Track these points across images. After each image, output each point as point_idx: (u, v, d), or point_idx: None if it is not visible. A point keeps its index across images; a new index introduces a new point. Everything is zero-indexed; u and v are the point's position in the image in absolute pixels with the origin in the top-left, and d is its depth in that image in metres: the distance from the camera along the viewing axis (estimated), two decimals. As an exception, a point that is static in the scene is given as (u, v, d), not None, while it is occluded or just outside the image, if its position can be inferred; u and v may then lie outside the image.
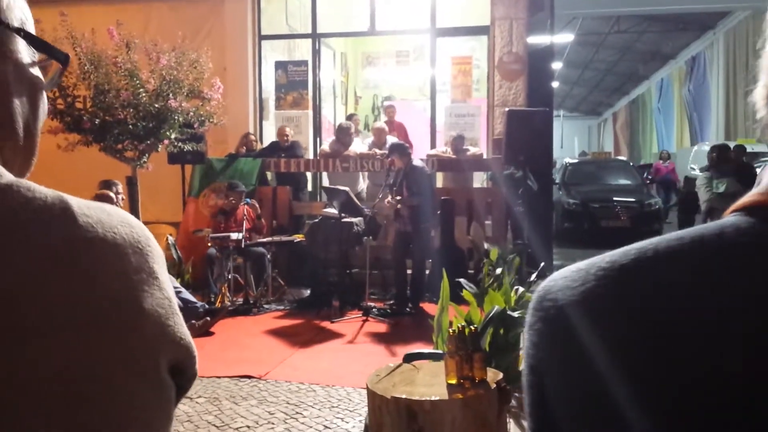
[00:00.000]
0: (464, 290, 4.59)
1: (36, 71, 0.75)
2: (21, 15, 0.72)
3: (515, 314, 4.21)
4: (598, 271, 0.55)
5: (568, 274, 0.57)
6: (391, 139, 8.62)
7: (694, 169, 17.94)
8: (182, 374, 0.74)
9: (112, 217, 0.69)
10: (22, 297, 0.61)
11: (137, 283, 0.68)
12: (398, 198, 7.08)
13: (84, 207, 0.67)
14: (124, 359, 0.66)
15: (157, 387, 0.69)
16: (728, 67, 20.93)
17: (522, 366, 0.60)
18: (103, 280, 0.65)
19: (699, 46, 23.66)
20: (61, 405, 0.61)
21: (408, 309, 7.15)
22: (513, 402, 3.83)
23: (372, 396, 2.93)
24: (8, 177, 0.66)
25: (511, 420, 3.72)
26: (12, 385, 0.59)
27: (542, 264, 7.39)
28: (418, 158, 7.86)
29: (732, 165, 8.09)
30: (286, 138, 9.32)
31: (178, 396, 0.74)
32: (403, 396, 2.79)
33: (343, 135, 9.21)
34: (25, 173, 0.76)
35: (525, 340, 0.60)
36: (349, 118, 10.87)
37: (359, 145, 9.32)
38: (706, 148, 18.64)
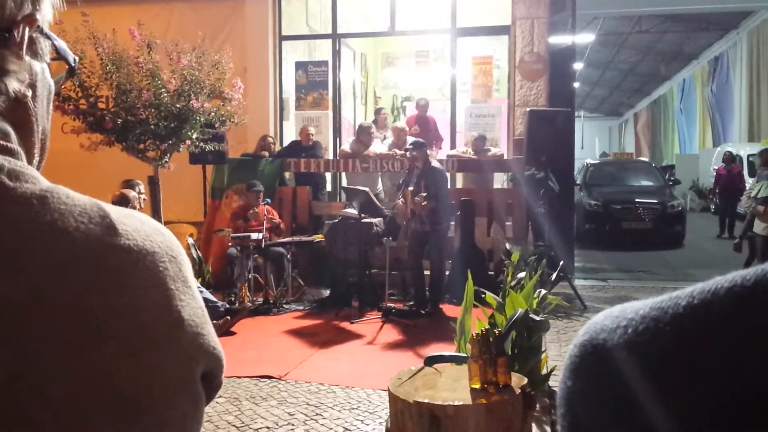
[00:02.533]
0: (486, 294, 4.54)
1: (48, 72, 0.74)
2: (49, 17, 0.71)
3: (538, 317, 4.17)
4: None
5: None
6: (411, 139, 8.59)
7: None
8: (210, 383, 0.73)
9: (146, 226, 0.68)
10: (64, 307, 0.59)
11: (175, 293, 0.67)
12: (422, 195, 7.02)
13: (121, 215, 0.66)
14: (163, 371, 0.65)
15: (193, 397, 0.69)
16: (752, 68, 20.69)
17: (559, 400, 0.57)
18: (143, 290, 0.64)
19: (722, 46, 23.41)
20: (101, 417, 0.60)
21: (425, 311, 7.12)
22: (537, 407, 3.79)
23: (394, 400, 2.90)
24: (45, 183, 0.64)
25: (535, 426, 3.68)
26: (49, 396, 0.58)
27: (561, 262, 7.34)
28: (435, 159, 7.85)
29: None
30: (310, 137, 9.32)
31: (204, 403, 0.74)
32: (426, 400, 2.76)
33: (364, 135, 9.20)
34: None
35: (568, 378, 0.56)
36: (377, 112, 10.84)
37: (379, 146, 9.30)
38: (730, 149, 18.51)
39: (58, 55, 0.73)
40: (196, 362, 0.69)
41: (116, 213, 0.66)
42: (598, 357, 0.52)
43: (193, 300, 0.69)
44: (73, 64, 0.75)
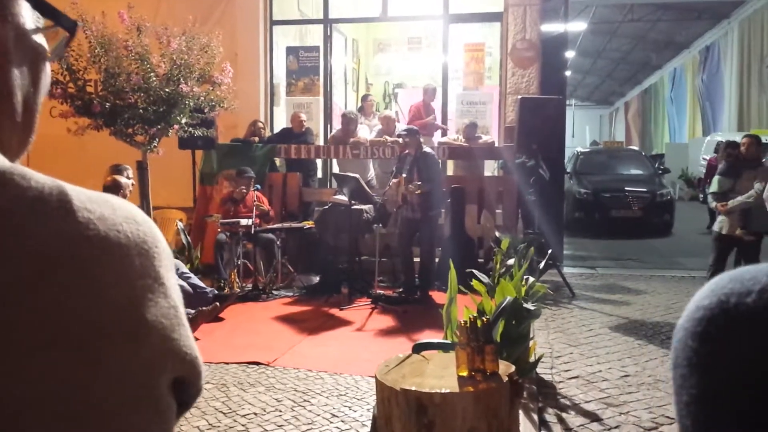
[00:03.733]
0: (474, 280, 4.54)
1: (39, 39, 0.68)
2: None
3: (529, 305, 4.17)
4: None
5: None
6: (401, 127, 8.55)
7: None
8: (185, 391, 0.66)
9: (116, 213, 0.61)
10: (9, 306, 0.54)
11: (141, 291, 0.60)
12: (416, 183, 7.00)
13: (86, 200, 0.59)
14: (122, 378, 0.58)
15: (157, 407, 0.62)
16: (742, 57, 20.73)
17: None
18: (102, 287, 0.58)
19: (713, 35, 23.42)
20: (50, 429, 0.55)
21: (414, 298, 7.12)
22: (524, 394, 3.80)
23: (381, 387, 2.90)
24: (0, 161, 0.58)
25: (522, 413, 3.69)
26: None
27: (549, 251, 7.35)
28: (428, 145, 7.83)
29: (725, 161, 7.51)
30: (303, 123, 9.24)
31: (180, 412, 0.67)
32: (413, 388, 2.75)
33: (348, 125, 9.12)
34: (22, 153, 0.68)
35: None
36: (364, 99, 10.79)
37: (366, 134, 9.24)
38: (719, 138, 18.58)
39: (55, 21, 0.68)
40: (163, 369, 0.61)
41: (80, 198, 0.59)
42: (729, 321, 0.51)
43: (165, 299, 0.62)
44: (67, 24, 0.69)
